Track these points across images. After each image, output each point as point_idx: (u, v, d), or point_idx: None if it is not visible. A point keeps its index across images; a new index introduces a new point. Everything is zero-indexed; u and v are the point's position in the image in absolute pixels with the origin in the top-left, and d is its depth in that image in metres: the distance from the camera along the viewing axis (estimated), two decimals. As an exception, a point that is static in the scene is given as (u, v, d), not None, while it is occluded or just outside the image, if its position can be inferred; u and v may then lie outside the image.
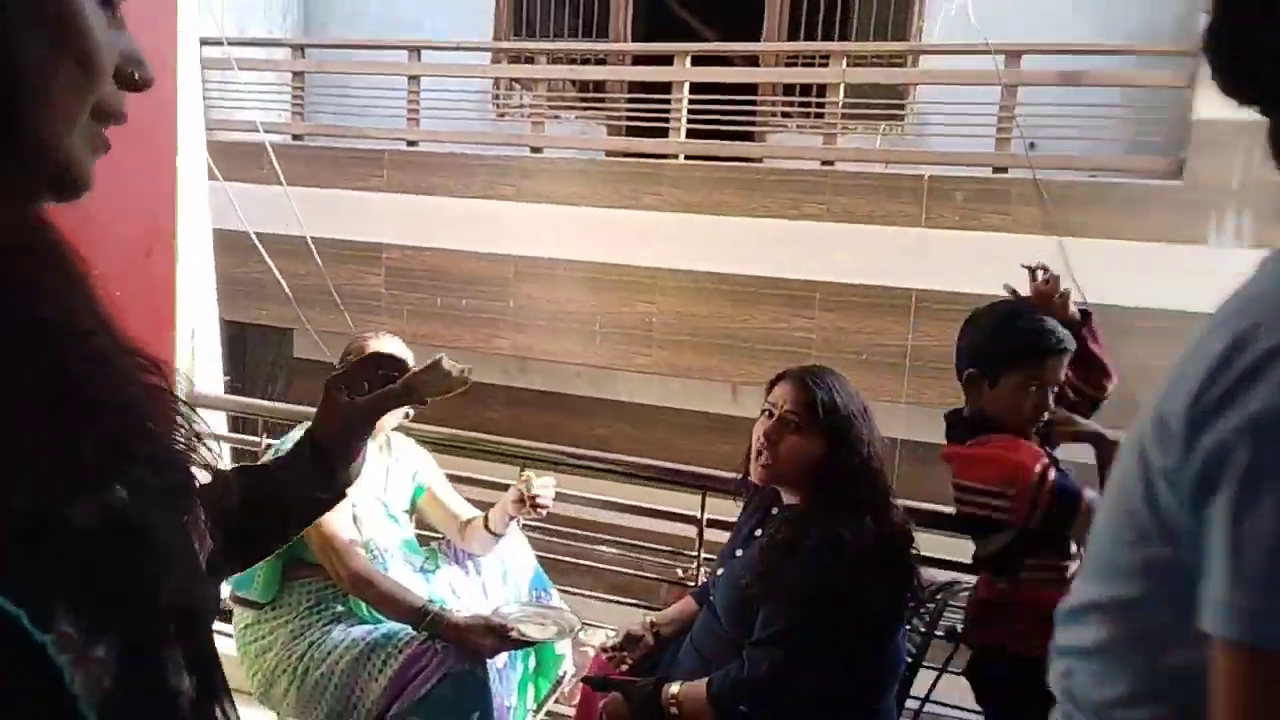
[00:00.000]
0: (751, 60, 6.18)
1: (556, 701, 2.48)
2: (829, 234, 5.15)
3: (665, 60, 5.75)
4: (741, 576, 1.88)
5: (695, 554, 2.75)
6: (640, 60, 6.15)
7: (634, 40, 6.44)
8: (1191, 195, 4.76)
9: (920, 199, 5.01)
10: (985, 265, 4.81)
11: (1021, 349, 1.87)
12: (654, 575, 3.24)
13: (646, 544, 3.08)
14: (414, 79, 6.25)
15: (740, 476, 2.08)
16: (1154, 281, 4.62)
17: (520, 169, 5.71)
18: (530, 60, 5.90)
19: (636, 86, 6.04)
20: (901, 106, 5.88)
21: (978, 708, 2.12)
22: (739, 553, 1.98)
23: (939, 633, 2.17)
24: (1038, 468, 1.81)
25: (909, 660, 2.08)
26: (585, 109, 6.33)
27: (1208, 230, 4.73)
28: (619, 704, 1.92)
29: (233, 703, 0.61)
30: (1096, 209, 4.86)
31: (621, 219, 5.44)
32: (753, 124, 5.84)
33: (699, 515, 2.66)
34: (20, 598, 0.43)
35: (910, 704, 2.19)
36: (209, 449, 0.66)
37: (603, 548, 3.06)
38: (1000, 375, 1.88)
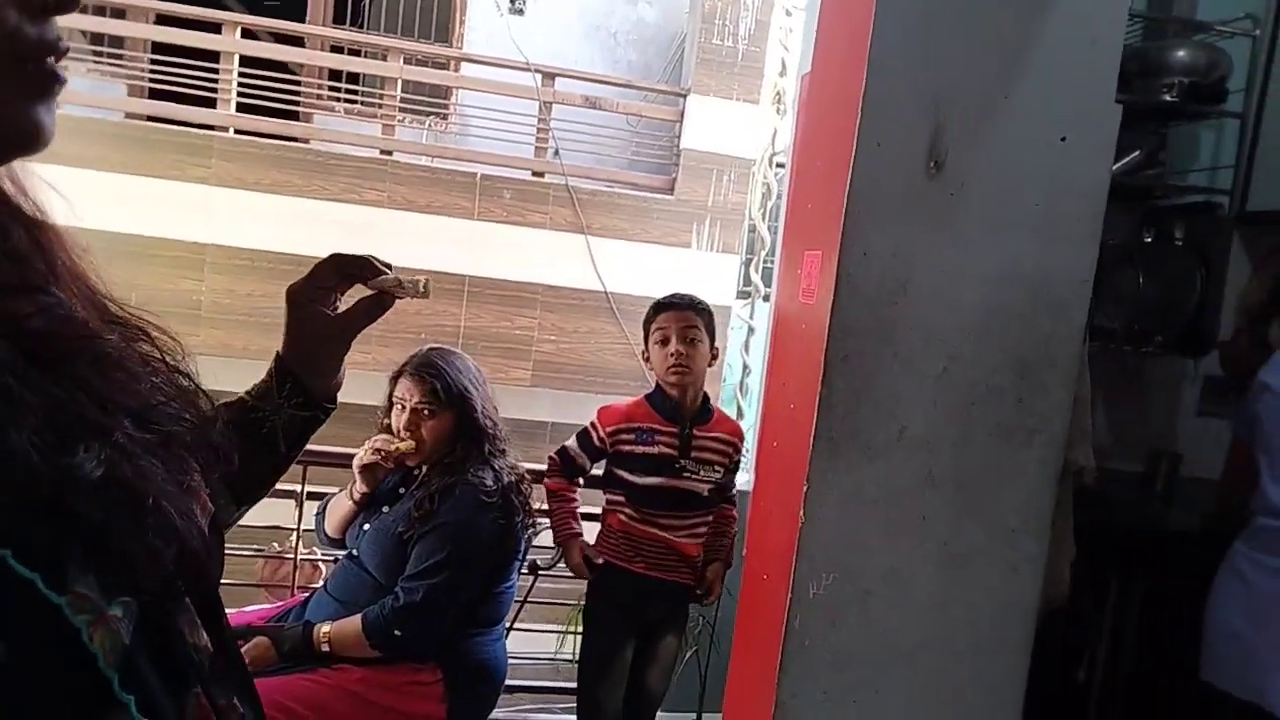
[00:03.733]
0: (294, 40, 6.06)
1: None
2: (390, 220, 5.36)
3: (199, 25, 5.39)
4: (396, 525, 2.10)
5: (294, 527, 2.75)
6: (163, 20, 5.64)
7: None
8: (680, 208, 5.93)
9: (473, 194, 5.47)
10: (529, 256, 5.51)
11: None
12: (249, 551, 3.22)
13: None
14: None
15: None
16: (653, 276, 5.64)
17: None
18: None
19: (160, 48, 5.54)
20: (446, 105, 6.25)
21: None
22: (385, 509, 2.20)
23: (524, 569, 2.50)
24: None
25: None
26: (98, 64, 5.62)
27: (691, 237, 5.96)
28: (265, 648, 2.00)
29: (241, 657, 0.63)
30: (614, 214, 5.77)
31: (165, 190, 5.03)
32: (297, 104, 5.75)
33: (299, 489, 2.68)
34: (34, 561, 0.43)
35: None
36: (198, 397, 0.62)
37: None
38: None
